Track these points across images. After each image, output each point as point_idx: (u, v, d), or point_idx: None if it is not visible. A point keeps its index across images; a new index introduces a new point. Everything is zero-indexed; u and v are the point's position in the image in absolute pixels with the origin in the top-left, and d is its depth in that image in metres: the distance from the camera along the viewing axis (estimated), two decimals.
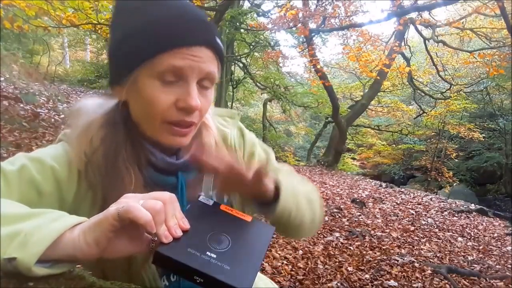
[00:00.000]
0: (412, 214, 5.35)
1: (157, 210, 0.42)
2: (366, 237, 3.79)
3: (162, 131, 0.58)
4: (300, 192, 0.70)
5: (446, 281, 2.85)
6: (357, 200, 5.61)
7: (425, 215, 5.39)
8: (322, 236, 3.64)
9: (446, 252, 3.68)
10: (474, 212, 5.99)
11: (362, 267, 2.96)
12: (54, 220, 0.45)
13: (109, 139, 0.59)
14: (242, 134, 0.78)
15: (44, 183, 0.55)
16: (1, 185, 0.52)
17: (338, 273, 2.79)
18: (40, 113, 4.81)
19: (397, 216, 5.05)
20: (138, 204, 0.42)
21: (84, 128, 0.60)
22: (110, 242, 0.43)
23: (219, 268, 0.41)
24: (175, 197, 0.45)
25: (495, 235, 4.74)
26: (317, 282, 2.61)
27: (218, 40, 0.58)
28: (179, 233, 0.43)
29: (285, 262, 2.83)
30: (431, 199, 7.04)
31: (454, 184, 12.51)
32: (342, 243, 3.53)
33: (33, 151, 0.61)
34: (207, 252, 0.42)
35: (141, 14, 0.55)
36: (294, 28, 8.02)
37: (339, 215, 4.61)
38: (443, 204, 6.47)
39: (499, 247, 4.14)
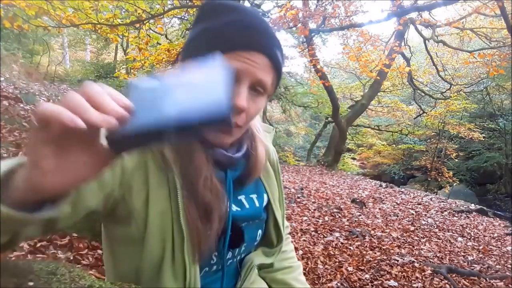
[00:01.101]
0: (412, 214, 5.35)
1: (76, 98, 0.32)
2: (366, 237, 3.79)
3: None
4: None
5: (446, 281, 2.85)
6: (357, 200, 5.61)
7: (425, 215, 5.39)
8: (322, 236, 3.64)
9: (446, 252, 3.68)
10: (474, 212, 5.99)
11: (362, 267, 2.96)
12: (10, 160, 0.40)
13: None
14: (278, 161, 0.85)
15: (109, 175, 0.55)
16: None
17: (338, 273, 2.79)
18: None
19: (397, 216, 5.05)
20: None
21: None
22: (56, 159, 0.34)
23: (186, 111, 0.33)
24: (103, 85, 0.36)
25: (495, 235, 4.74)
26: (317, 282, 2.62)
27: (278, 54, 0.60)
28: (120, 111, 0.33)
29: None
30: (431, 199, 7.04)
31: (454, 184, 12.52)
32: (342, 243, 3.53)
33: None
34: (165, 104, 0.34)
35: (211, 21, 0.59)
36: (294, 28, 8.01)
37: (339, 215, 4.61)
38: (443, 204, 6.47)
39: (499, 247, 4.14)
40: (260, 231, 0.76)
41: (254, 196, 0.74)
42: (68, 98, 0.33)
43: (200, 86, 0.36)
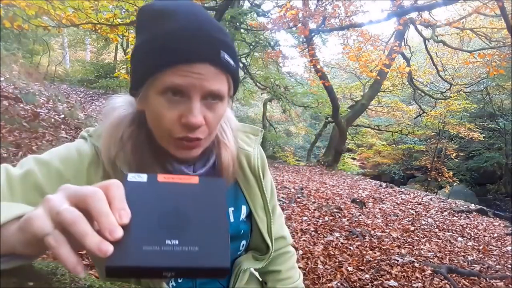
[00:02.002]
0: (412, 214, 5.35)
1: (69, 223, 0.33)
2: (366, 237, 3.79)
3: (170, 145, 0.59)
4: None
5: (446, 281, 2.85)
6: (357, 200, 5.61)
7: (425, 215, 5.39)
8: (322, 236, 3.64)
9: (446, 252, 3.68)
10: (474, 212, 5.99)
11: (362, 267, 2.96)
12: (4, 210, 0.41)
13: (137, 136, 0.61)
14: (263, 164, 0.79)
15: (50, 187, 0.56)
16: (5, 190, 0.53)
17: (338, 273, 2.79)
18: (40, 113, 4.81)
19: (397, 216, 5.05)
20: (47, 215, 0.35)
21: (115, 124, 0.61)
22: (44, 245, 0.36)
23: (187, 255, 0.35)
24: (110, 183, 0.37)
25: (495, 235, 4.74)
26: (317, 282, 2.62)
27: (226, 56, 0.55)
28: (117, 234, 0.33)
29: None
30: (431, 199, 7.04)
31: (454, 184, 12.52)
32: (342, 243, 3.53)
33: (46, 152, 0.61)
34: (167, 241, 0.35)
35: (149, 32, 0.55)
36: (294, 28, 8.02)
37: (339, 215, 4.61)
38: (443, 204, 6.47)
39: (499, 247, 4.14)
40: (244, 242, 0.75)
41: (230, 210, 0.71)
42: (64, 218, 0.33)
43: (205, 223, 0.38)
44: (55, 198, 0.36)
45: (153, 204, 0.38)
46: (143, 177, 0.40)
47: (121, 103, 0.65)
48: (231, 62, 0.56)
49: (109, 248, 0.33)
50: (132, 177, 0.40)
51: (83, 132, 0.66)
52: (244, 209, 0.74)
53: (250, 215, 0.75)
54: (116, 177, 0.57)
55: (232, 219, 0.71)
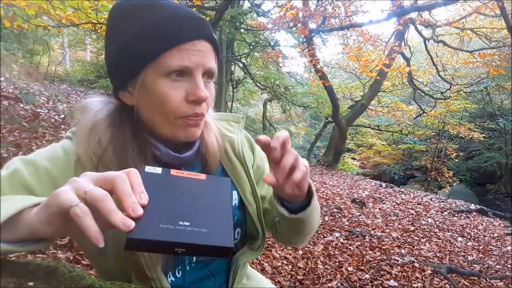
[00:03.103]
0: (412, 214, 5.35)
1: (98, 199, 0.38)
2: (366, 237, 3.79)
3: (177, 126, 0.60)
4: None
5: (446, 281, 2.85)
6: (357, 200, 5.61)
7: (425, 215, 5.39)
8: (322, 236, 3.64)
9: (446, 252, 3.68)
10: (474, 212, 5.99)
11: (362, 267, 2.96)
12: (19, 201, 0.45)
13: (117, 139, 0.61)
14: (250, 143, 0.81)
15: (38, 185, 0.56)
16: None
17: (338, 273, 2.79)
18: (40, 113, 4.80)
19: (397, 216, 5.05)
20: (73, 190, 0.39)
21: (90, 128, 0.61)
22: (66, 220, 0.39)
23: (197, 234, 0.40)
24: (131, 171, 0.42)
25: (495, 235, 4.74)
26: (317, 282, 2.61)
27: (212, 32, 0.61)
28: (139, 211, 0.39)
29: (285, 262, 2.83)
30: (431, 199, 7.04)
31: (454, 184, 12.50)
32: (342, 243, 3.53)
33: (32, 153, 0.62)
34: (180, 222, 0.41)
35: (139, 20, 0.56)
36: (294, 28, 8.02)
37: (339, 215, 4.61)
38: (443, 204, 6.47)
39: (499, 247, 4.14)
40: (239, 229, 0.75)
41: None
42: (91, 196, 0.38)
43: (212, 212, 0.44)
44: (82, 179, 0.41)
45: (166, 192, 0.45)
46: (158, 170, 0.47)
47: (93, 105, 0.64)
48: (216, 38, 0.62)
49: (132, 224, 0.38)
50: (148, 169, 0.47)
51: (67, 132, 0.67)
52: (234, 194, 0.74)
53: (240, 202, 0.75)
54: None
55: None
